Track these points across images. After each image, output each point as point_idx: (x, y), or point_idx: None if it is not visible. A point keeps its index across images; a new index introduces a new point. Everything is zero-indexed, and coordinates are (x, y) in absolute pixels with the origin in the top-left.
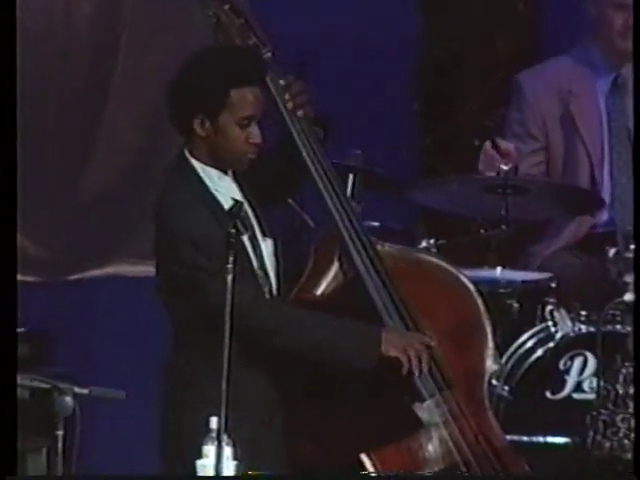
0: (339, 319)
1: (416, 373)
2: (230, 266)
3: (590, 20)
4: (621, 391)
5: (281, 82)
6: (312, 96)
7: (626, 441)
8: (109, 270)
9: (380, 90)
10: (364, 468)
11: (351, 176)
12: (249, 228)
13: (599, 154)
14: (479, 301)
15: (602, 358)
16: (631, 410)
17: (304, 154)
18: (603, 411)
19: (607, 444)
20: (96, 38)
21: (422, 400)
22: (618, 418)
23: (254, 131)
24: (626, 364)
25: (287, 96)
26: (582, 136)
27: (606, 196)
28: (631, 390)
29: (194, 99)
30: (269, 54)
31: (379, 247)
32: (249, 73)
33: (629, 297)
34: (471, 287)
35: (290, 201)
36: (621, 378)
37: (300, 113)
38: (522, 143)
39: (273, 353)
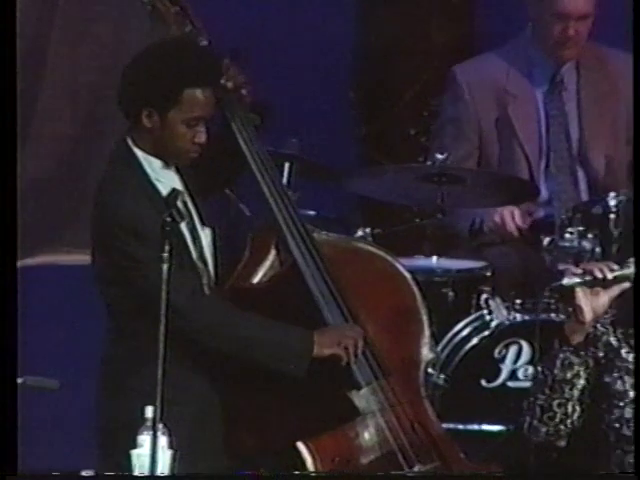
0: (272, 322)
1: (352, 362)
2: (166, 255)
3: (529, 19)
4: (558, 376)
5: (228, 84)
6: (248, 79)
7: (562, 427)
8: (42, 259)
9: (316, 79)
10: (301, 456)
11: (287, 165)
12: (187, 217)
13: (537, 154)
14: (415, 290)
15: (538, 346)
16: (567, 395)
17: (241, 142)
18: (540, 396)
19: (543, 429)
20: (29, 27)
21: (359, 388)
22: (555, 403)
23: (200, 131)
24: (563, 349)
25: (226, 77)
26: (519, 138)
27: (544, 193)
28: (568, 375)
29: (146, 91)
30: (205, 42)
31: (316, 235)
32: (204, 75)
33: (567, 281)
34: (407, 276)
35: (227, 190)
36: (558, 363)
37: (243, 92)
38: (456, 143)
39: (208, 350)
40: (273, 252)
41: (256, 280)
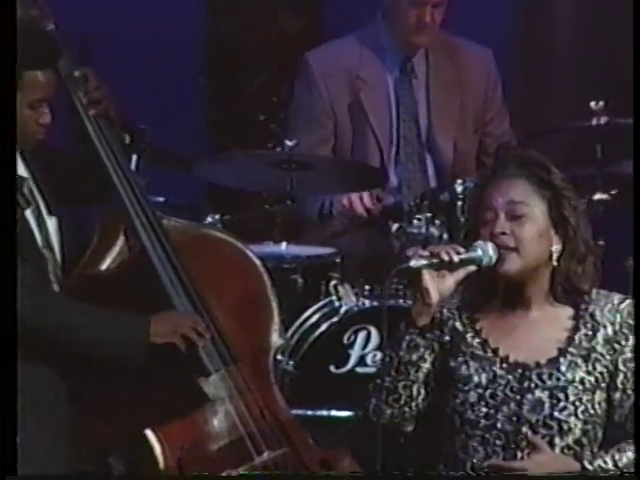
0: (107, 311)
1: (187, 350)
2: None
3: (382, 4)
4: (404, 358)
5: (76, 73)
6: (107, 92)
7: (406, 409)
8: None
9: (167, 64)
10: (150, 444)
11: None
12: (33, 204)
13: (387, 140)
14: (265, 276)
15: (386, 332)
16: (412, 378)
17: (87, 126)
18: (386, 378)
19: (388, 411)
20: None
21: (208, 375)
22: (400, 385)
23: (44, 112)
24: (409, 331)
25: (82, 92)
26: (371, 123)
27: (393, 179)
28: (414, 357)
29: None
30: (52, 27)
31: (165, 222)
32: (44, 57)
33: (414, 263)
34: (257, 262)
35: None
36: (404, 345)
37: (92, 112)
38: (311, 130)
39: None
40: (121, 238)
41: (104, 267)
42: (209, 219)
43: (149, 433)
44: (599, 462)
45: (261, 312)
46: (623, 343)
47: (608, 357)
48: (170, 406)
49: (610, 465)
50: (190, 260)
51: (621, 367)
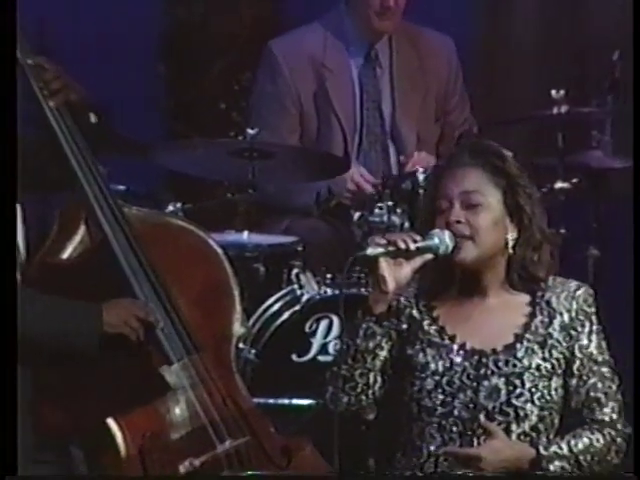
0: (61, 301)
1: (141, 339)
2: None
3: None
4: (361, 346)
5: (29, 61)
6: (67, 80)
7: (363, 397)
8: None
9: (126, 52)
10: (111, 432)
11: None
12: None
13: (351, 128)
14: (227, 265)
15: (345, 320)
16: (369, 366)
17: (47, 114)
18: (343, 366)
19: (345, 399)
20: None
21: (170, 363)
22: (356, 373)
23: None
24: (366, 318)
25: (41, 82)
26: (336, 111)
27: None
28: (370, 345)
29: None
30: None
31: (126, 210)
32: None
33: (370, 251)
34: (219, 251)
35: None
36: (361, 333)
37: (52, 104)
38: (278, 119)
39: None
40: (82, 227)
41: (65, 256)
42: (170, 207)
43: (110, 422)
44: (554, 448)
45: (223, 301)
46: (579, 330)
47: (564, 344)
48: (132, 395)
49: (565, 451)
50: (152, 249)
51: (577, 354)
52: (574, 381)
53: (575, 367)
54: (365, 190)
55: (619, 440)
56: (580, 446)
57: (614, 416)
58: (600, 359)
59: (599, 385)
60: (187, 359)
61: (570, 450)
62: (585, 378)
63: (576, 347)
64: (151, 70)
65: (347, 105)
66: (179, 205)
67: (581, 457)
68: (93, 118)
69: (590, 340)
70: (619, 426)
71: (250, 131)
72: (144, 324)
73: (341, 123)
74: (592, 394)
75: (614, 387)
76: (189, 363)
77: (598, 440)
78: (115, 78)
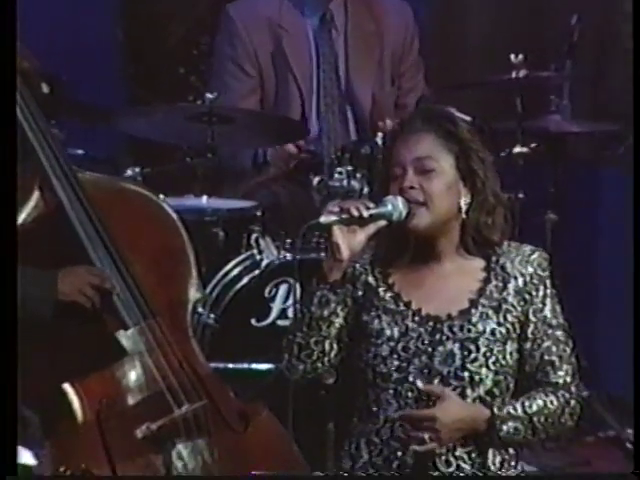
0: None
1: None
2: None
3: None
4: (315, 314)
5: None
6: (19, 48)
7: (319, 364)
8: None
9: (84, 17)
10: (68, 398)
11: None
12: None
13: (309, 89)
14: (182, 230)
15: (300, 285)
16: (324, 333)
17: None
18: (298, 334)
19: (301, 367)
20: None
21: (126, 328)
22: (312, 341)
23: None
24: (321, 286)
25: None
26: (294, 72)
27: (314, 130)
28: (325, 313)
29: None
30: None
31: (80, 175)
32: None
33: (324, 219)
34: (174, 216)
35: None
36: (315, 300)
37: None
38: (237, 80)
39: None
40: (37, 193)
41: (19, 221)
42: (129, 172)
43: (67, 387)
44: (508, 409)
45: (179, 266)
46: (533, 294)
47: (519, 308)
48: (88, 360)
49: (519, 412)
50: (106, 214)
51: (531, 317)
52: (528, 345)
53: (529, 331)
54: (289, 150)
55: (573, 402)
56: (534, 408)
57: (568, 379)
58: (554, 323)
59: (553, 348)
60: (143, 324)
61: (524, 411)
62: (539, 342)
63: (530, 311)
64: (110, 36)
65: (304, 66)
66: (138, 169)
67: (535, 418)
68: (45, 88)
69: (544, 304)
70: (573, 389)
71: (209, 95)
72: (99, 291)
73: (299, 85)
74: (546, 357)
75: (568, 350)
76: (145, 328)
77: (552, 402)
78: (74, 44)
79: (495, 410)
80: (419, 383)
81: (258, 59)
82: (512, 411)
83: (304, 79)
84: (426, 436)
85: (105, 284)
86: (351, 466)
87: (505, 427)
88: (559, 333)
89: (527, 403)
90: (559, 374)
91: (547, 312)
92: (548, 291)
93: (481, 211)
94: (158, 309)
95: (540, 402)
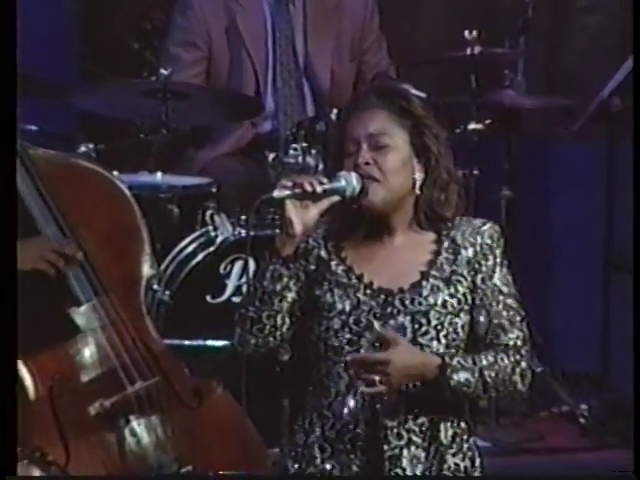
0: None
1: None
2: None
3: None
4: (268, 288)
5: None
6: None
7: (271, 339)
8: None
9: None
10: (20, 374)
11: None
12: None
13: (264, 65)
14: (135, 207)
15: (253, 261)
16: (276, 308)
17: None
18: (250, 308)
19: (252, 341)
20: None
21: (79, 305)
22: (264, 315)
23: None
24: (273, 260)
25: None
26: (247, 47)
27: (270, 106)
28: (278, 287)
29: None
30: None
31: (31, 152)
32: None
33: (277, 193)
34: (127, 192)
35: None
36: (268, 275)
37: None
38: (184, 51)
39: None
40: None
41: None
42: (83, 148)
43: (20, 365)
44: (459, 359)
45: (132, 243)
46: (483, 263)
47: (469, 278)
48: (40, 337)
49: (470, 363)
50: (59, 191)
51: (481, 285)
52: (478, 311)
53: (479, 298)
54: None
55: (524, 365)
56: (484, 362)
57: (519, 342)
58: (505, 290)
59: (503, 313)
60: (96, 300)
61: (474, 363)
62: (489, 307)
63: (479, 279)
64: (64, 12)
65: (259, 41)
66: (92, 146)
67: (486, 372)
68: None
69: (494, 272)
70: (524, 352)
71: (163, 71)
72: (62, 257)
73: (252, 59)
74: (496, 321)
75: (519, 318)
76: (98, 304)
77: (502, 359)
78: (25, 18)
79: (446, 359)
80: (376, 324)
81: (209, 33)
82: (463, 362)
83: (258, 55)
84: (377, 378)
85: (66, 249)
86: (304, 441)
87: (456, 376)
88: (510, 301)
89: (477, 357)
90: (510, 336)
91: (497, 279)
92: (498, 260)
93: (434, 187)
94: (111, 286)
95: (491, 358)
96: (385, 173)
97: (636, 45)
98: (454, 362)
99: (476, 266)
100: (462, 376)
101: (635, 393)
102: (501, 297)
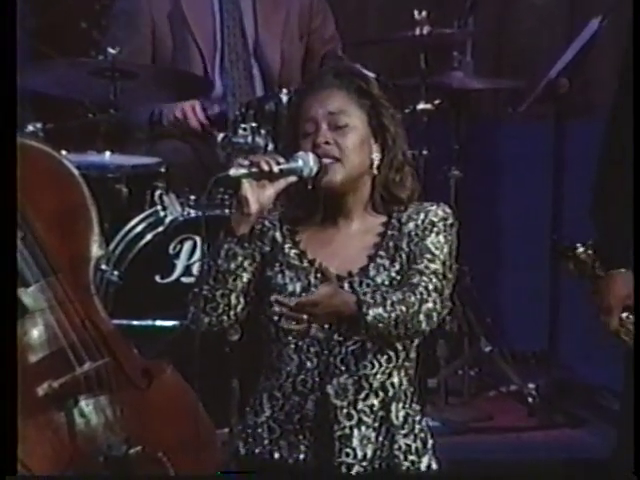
0: None
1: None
2: None
3: None
4: (222, 267)
5: None
6: None
7: (224, 317)
8: None
9: None
10: None
11: None
12: None
13: (211, 49)
14: (83, 187)
15: (207, 242)
16: (230, 287)
17: None
18: (204, 287)
19: (206, 319)
20: None
21: (27, 286)
22: (218, 294)
23: None
24: (228, 239)
25: None
26: (192, 30)
27: (218, 88)
28: (232, 266)
29: None
30: None
31: None
32: None
33: (233, 172)
34: (75, 172)
35: None
36: (222, 254)
37: None
38: (129, 36)
39: None
40: None
41: None
42: (30, 127)
43: None
44: (371, 294)
45: (80, 223)
46: (420, 235)
47: (406, 249)
48: None
49: (379, 299)
50: None
51: (414, 248)
52: (410, 273)
53: (410, 258)
54: (189, 123)
55: (430, 305)
56: (394, 297)
57: (430, 286)
58: (436, 252)
59: (422, 266)
60: (44, 281)
61: (384, 298)
62: (412, 263)
63: (412, 244)
64: None
65: (205, 24)
66: (39, 125)
67: (397, 307)
68: None
69: (429, 237)
70: (434, 295)
71: (111, 50)
72: None
73: (197, 42)
74: (414, 266)
75: (438, 278)
76: (46, 285)
77: (410, 296)
78: None
79: (360, 295)
80: (323, 265)
81: (152, 16)
82: (376, 297)
83: (204, 37)
84: (304, 317)
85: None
86: (254, 422)
87: (371, 312)
88: (436, 266)
89: (387, 294)
90: (423, 279)
91: (429, 243)
92: (440, 235)
93: (391, 168)
94: (59, 266)
95: (399, 294)
96: (345, 152)
97: (636, 45)
98: (367, 297)
99: (415, 238)
100: (376, 311)
101: (635, 393)
102: (429, 255)
